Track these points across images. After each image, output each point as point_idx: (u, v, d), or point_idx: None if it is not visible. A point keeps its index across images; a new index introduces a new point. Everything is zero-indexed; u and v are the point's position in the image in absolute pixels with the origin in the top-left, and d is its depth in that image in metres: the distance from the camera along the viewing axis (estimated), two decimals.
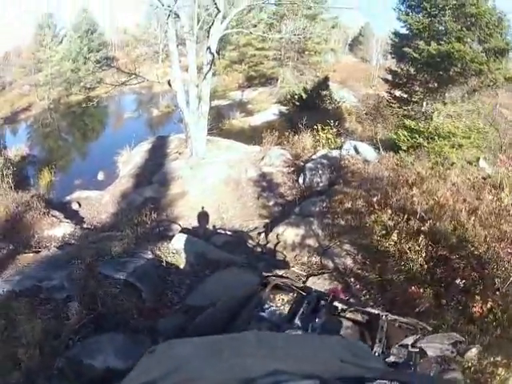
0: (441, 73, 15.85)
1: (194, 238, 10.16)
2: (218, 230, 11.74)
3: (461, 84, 15.91)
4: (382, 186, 10.95)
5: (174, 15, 14.14)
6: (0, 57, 44.14)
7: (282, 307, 4.48)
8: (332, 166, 13.65)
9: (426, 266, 7.90)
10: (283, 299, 4.61)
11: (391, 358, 3.63)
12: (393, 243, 8.53)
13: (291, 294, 4.67)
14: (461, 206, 9.36)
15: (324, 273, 8.71)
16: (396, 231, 8.73)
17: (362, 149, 15.30)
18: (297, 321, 4.15)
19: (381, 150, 15.22)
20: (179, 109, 15.59)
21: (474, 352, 4.03)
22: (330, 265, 9.02)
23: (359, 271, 8.57)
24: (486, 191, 10.58)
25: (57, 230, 10.96)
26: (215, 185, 14.17)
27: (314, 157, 14.93)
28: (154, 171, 15.57)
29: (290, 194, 13.25)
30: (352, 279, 8.42)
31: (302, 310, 4.27)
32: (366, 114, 26.95)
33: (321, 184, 13.14)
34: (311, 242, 9.86)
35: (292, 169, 14.58)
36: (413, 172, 11.78)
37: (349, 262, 8.88)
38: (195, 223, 12.45)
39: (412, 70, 18.17)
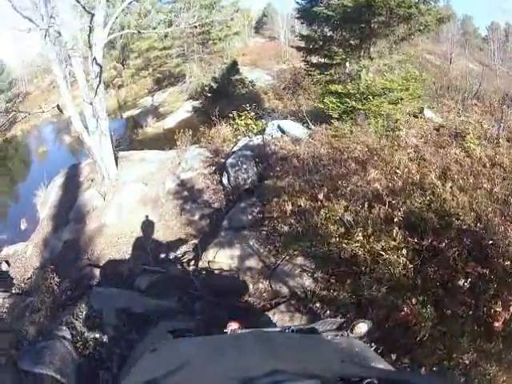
0: (362, 26, 12.96)
1: (113, 289, 8.22)
2: (144, 267, 9.21)
3: (386, 35, 13.19)
4: (323, 169, 8.52)
5: (56, 33, 11.72)
6: None
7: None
8: (257, 157, 10.97)
9: (410, 266, 5.42)
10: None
11: None
12: (359, 244, 5.98)
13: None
14: (427, 172, 6.83)
15: (279, 303, 6.23)
16: (359, 227, 6.16)
17: (287, 127, 12.48)
18: None
19: (309, 123, 12.55)
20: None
21: (362, 327, 2.63)
22: (284, 290, 6.50)
23: (325, 292, 5.99)
24: (447, 145, 8.17)
25: None
26: (132, 209, 11.59)
27: (235, 149, 12.36)
28: (70, 207, 12.94)
29: (216, 199, 10.67)
30: (318, 305, 5.90)
31: None
32: (283, 89, 24.86)
33: (248, 180, 10.42)
34: (252, 262, 7.31)
35: (213, 168, 11.90)
36: (356, 142, 9.42)
37: (307, 281, 6.34)
38: (117, 263, 10.03)
39: (327, 31, 15.16)
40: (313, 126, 12.23)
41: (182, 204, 11.00)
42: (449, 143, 8.69)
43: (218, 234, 8.58)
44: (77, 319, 6.94)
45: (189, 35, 29.86)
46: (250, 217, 8.40)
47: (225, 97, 22.21)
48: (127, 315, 7.01)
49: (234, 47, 35.83)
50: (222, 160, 11.79)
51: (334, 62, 14.94)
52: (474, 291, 4.89)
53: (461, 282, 4.98)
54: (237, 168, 10.59)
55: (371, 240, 5.89)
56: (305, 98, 20.02)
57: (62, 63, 12.78)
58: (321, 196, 7.22)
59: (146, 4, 32.85)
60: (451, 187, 6.38)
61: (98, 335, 6.63)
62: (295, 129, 12.36)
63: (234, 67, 25.12)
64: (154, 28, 28.85)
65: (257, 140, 11.91)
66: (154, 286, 8.02)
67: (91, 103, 12.20)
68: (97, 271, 9.84)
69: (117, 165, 13.22)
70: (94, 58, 11.93)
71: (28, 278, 10.79)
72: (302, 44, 17.19)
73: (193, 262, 8.39)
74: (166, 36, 31.07)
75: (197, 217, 10.37)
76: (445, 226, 5.71)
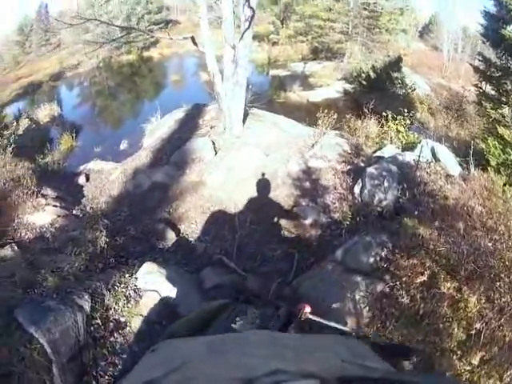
0: None
1: (174, 270, 6.74)
2: (218, 257, 7.58)
3: None
4: (471, 235, 6.36)
5: None
6: (55, 15, 40.84)
7: (252, 320, 3.64)
8: (402, 177, 8.71)
9: None
10: (254, 312, 3.82)
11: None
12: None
13: (263, 308, 3.95)
14: None
15: None
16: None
17: (441, 154, 9.99)
18: None
19: (471, 165, 9.76)
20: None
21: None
22: None
23: None
24: None
25: (38, 215, 8.44)
26: (242, 178, 9.84)
27: (378, 154, 10.35)
28: (177, 147, 11.71)
29: (339, 209, 8.50)
30: None
31: (272, 323, 3.57)
32: (439, 104, 22.07)
33: (384, 202, 8.25)
34: (348, 320, 5.25)
35: (348, 167, 9.79)
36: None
37: None
38: (197, 233, 8.60)
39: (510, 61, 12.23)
40: (472, 168, 9.65)
41: (299, 196, 9.15)
42: None
43: (325, 261, 6.63)
44: (110, 292, 5.57)
45: (356, 15, 27.98)
46: (371, 260, 6.24)
47: (379, 91, 20.28)
48: (172, 314, 5.56)
49: (397, 44, 32.77)
50: (361, 163, 9.76)
51: (510, 101, 12.26)
52: None
53: None
54: (376, 182, 8.50)
55: None
56: (463, 124, 17.58)
57: None
58: (460, 274, 5.24)
59: None
60: None
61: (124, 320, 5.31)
62: (448, 159, 9.94)
63: (397, 63, 22.99)
64: None
65: (407, 156, 9.62)
66: (219, 291, 6.34)
67: (234, 47, 10.79)
68: (169, 233, 8.56)
69: (244, 121, 11.71)
70: (248, 0, 10.41)
71: (96, 204, 10.05)
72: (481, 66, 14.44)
73: (273, 286, 6.52)
74: (330, 9, 29.19)
75: (309, 220, 8.40)
76: None
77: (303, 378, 1.31)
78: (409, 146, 11.46)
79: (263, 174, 9.66)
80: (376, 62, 23.85)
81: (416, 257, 5.81)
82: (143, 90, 29.69)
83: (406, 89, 22.35)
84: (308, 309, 3.68)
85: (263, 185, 9.43)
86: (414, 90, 22.63)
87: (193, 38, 10.77)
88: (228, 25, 10.64)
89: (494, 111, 12.09)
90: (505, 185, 8.62)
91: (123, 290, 5.69)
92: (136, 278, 5.97)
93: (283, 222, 8.39)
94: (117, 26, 16.12)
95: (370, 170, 8.76)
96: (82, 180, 11.44)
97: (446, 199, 7.83)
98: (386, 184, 8.36)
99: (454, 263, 5.56)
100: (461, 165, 9.87)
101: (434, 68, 34.28)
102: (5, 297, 5.08)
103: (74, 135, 16.99)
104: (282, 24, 37.73)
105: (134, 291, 5.73)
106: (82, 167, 12.60)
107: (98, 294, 5.44)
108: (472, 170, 9.36)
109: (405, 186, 8.38)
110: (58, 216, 8.65)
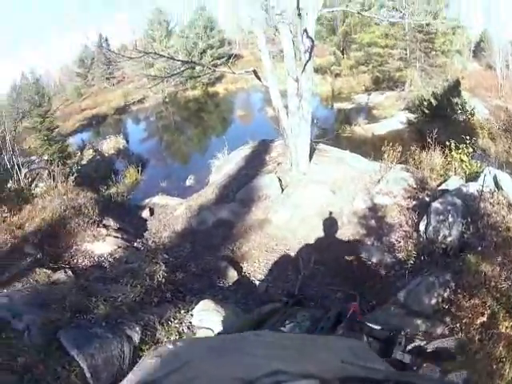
0: None
1: (232, 309, 6.77)
2: (283, 298, 7.09)
3: None
4: None
5: None
6: (117, 48, 42.54)
7: (302, 322, 4.23)
8: (466, 210, 8.46)
9: None
10: (304, 315, 4.38)
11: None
12: None
13: (313, 310, 4.48)
14: None
15: None
16: None
17: (504, 182, 9.53)
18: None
19: None
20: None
21: None
22: None
23: None
24: None
25: (98, 244, 8.97)
26: (308, 216, 9.86)
27: (443, 187, 10.07)
28: (244, 184, 11.84)
29: (404, 247, 8.35)
30: None
31: (321, 324, 4.03)
32: (498, 129, 21.14)
33: (448, 239, 8.01)
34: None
35: (414, 202, 9.63)
36: None
37: None
38: (260, 272, 8.67)
39: None
40: None
41: (365, 235, 9.10)
42: None
43: (388, 303, 6.59)
44: (163, 326, 5.70)
45: (412, 40, 27.65)
46: (433, 301, 6.15)
47: (441, 118, 19.88)
48: None
49: (453, 67, 31.95)
50: (427, 199, 9.57)
51: None
52: None
53: None
54: (441, 218, 8.31)
55: None
56: None
57: (268, 27, 12.05)
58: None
59: None
60: None
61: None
62: (511, 187, 9.61)
63: (456, 88, 22.48)
64: (369, 8, 27.50)
65: (471, 188, 9.26)
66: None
67: (297, 80, 10.82)
68: (231, 272, 8.62)
69: (310, 157, 11.68)
70: (305, 30, 10.46)
71: (158, 238, 10.30)
72: None
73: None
74: (387, 35, 28.96)
75: (373, 260, 8.38)
76: None
77: (303, 378, 1.35)
78: (472, 176, 11.06)
79: (330, 213, 9.64)
80: (436, 87, 23.46)
81: (477, 296, 5.72)
82: (210, 126, 29.91)
83: (466, 114, 21.72)
84: (357, 307, 3.84)
85: (329, 223, 9.44)
86: (474, 114, 21.98)
87: (255, 72, 10.97)
88: (289, 57, 10.73)
89: None
90: None
91: (177, 325, 5.81)
92: (192, 315, 6.05)
93: (347, 263, 8.35)
94: (177, 60, 16.53)
95: (435, 204, 8.63)
96: (145, 214, 11.77)
97: (508, 231, 7.60)
98: (450, 219, 8.19)
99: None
100: None
101: (490, 88, 32.76)
102: (51, 318, 5.30)
103: (140, 169, 17.40)
104: (343, 54, 37.47)
105: (188, 327, 5.82)
106: (146, 201, 12.94)
107: (149, 327, 5.59)
108: None
109: (469, 219, 8.16)
110: (119, 247, 9.04)
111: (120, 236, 9.66)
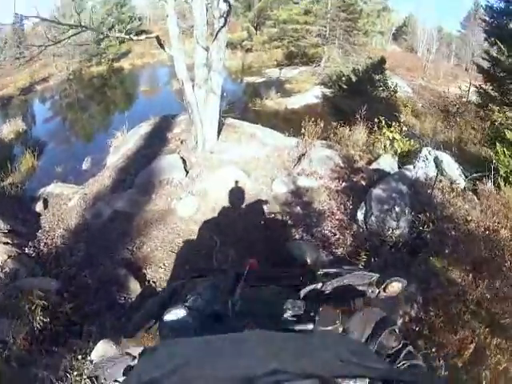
0: None
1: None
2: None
3: None
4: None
5: None
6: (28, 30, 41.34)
7: (203, 293, 2.92)
8: (415, 199, 7.23)
9: None
10: (204, 286, 3.03)
11: (287, 314, 2.41)
12: None
13: (212, 279, 3.09)
14: None
15: None
16: None
17: (446, 164, 8.55)
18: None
19: (489, 179, 8.27)
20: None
21: (396, 286, 2.11)
22: None
23: None
24: None
25: None
26: (218, 203, 8.24)
27: (374, 165, 8.98)
28: (142, 166, 10.17)
29: (342, 241, 6.89)
30: None
31: (221, 288, 2.94)
32: (422, 106, 21.57)
33: (397, 232, 6.63)
34: None
35: (344, 184, 8.31)
36: None
37: None
38: (167, 280, 6.96)
39: None
40: (490, 183, 8.19)
41: (291, 226, 7.52)
42: None
43: None
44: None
45: (334, 18, 27.22)
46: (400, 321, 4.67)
47: (360, 94, 19.12)
48: None
49: (372, 47, 33.20)
50: (362, 182, 8.23)
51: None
52: None
53: None
54: (385, 207, 6.94)
55: None
56: (452, 127, 16.05)
57: None
58: None
59: None
60: None
61: None
62: (454, 170, 8.56)
63: (380, 65, 21.82)
64: None
65: (418, 171, 8.09)
66: None
67: (207, 48, 9.44)
68: (132, 282, 6.83)
69: (219, 134, 10.26)
70: None
71: (51, 239, 8.46)
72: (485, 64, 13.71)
73: None
74: (308, 12, 28.67)
75: (307, 259, 6.65)
76: None
77: (303, 378, 1.21)
78: (405, 155, 10.16)
79: (244, 199, 8.15)
80: (357, 64, 23.23)
81: (456, 315, 4.55)
82: (113, 102, 28.65)
83: (388, 91, 21.43)
84: (253, 263, 3.13)
85: (245, 212, 7.89)
86: (396, 92, 21.82)
87: (158, 38, 9.44)
88: (199, 22, 9.29)
89: (502, 114, 10.86)
90: None
91: (77, 378, 4.25)
92: (91, 362, 4.42)
93: (273, 263, 6.61)
94: (63, 24, 14.49)
95: (377, 191, 7.31)
96: (39, 207, 9.97)
97: (467, 223, 6.59)
98: (397, 209, 6.91)
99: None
100: (468, 178, 8.56)
101: (413, 69, 34.08)
102: None
103: (37, 153, 15.38)
104: (256, 30, 37.07)
105: (91, 381, 4.11)
106: (41, 191, 11.06)
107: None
108: (490, 184, 7.97)
109: (419, 209, 6.98)
110: (9, 256, 7.34)
111: (10, 241, 7.88)
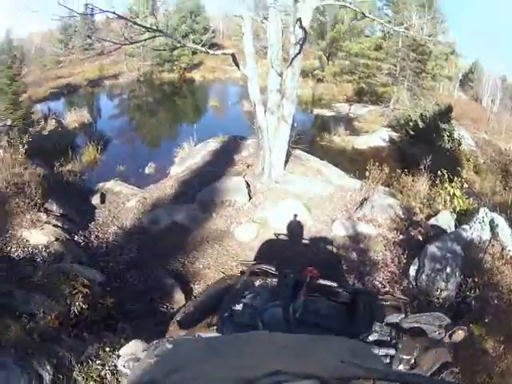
0: None
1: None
2: None
3: None
4: None
5: None
6: (100, 21, 42.58)
7: (261, 291, 4.00)
8: (466, 262, 7.11)
9: None
10: (262, 284, 4.17)
11: (373, 336, 3.21)
12: None
13: (270, 278, 4.31)
14: None
15: None
16: None
17: (500, 229, 8.28)
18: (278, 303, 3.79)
19: None
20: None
21: (460, 334, 3.01)
22: None
23: None
24: None
25: (35, 233, 7.48)
26: (277, 234, 8.33)
27: (432, 221, 8.68)
28: (206, 182, 10.32)
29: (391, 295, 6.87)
30: None
31: (282, 294, 3.89)
32: (484, 163, 20.29)
33: (444, 293, 6.58)
34: None
35: (401, 236, 8.23)
36: None
37: None
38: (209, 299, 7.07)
39: None
40: None
41: (345, 272, 7.57)
42: None
43: None
44: (83, 366, 4.28)
45: (404, 57, 26.76)
46: None
47: (426, 143, 18.74)
48: None
49: (439, 93, 31.50)
50: (419, 237, 8.13)
51: None
52: None
53: None
54: (438, 266, 6.91)
55: None
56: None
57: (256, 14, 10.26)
58: None
59: None
60: None
61: None
62: (507, 235, 8.25)
63: (447, 113, 21.31)
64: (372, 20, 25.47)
65: (472, 233, 7.95)
66: None
67: (280, 74, 9.52)
68: (178, 294, 6.96)
69: (285, 164, 10.33)
70: (299, 20, 9.04)
71: (103, 233, 8.87)
72: None
73: None
74: (379, 47, 28.49)
75: None
76: None
77: (303, 378, 1.32)
78: (463, 213, 9.76)
79: (303, 235, 8.22)
80: (425, 110, 22.47)
81: None
82: (182, 112, 28.71)
83: (453, 143, 20.52)
84: (313, 271, 3.82)
85: (304, 249, 7.95)
86: (461, 144, 20.90)
87: (233, 56, 9.45)
88: (275, 47, 9.44)
89: None
90: None
91: (98, 367, 4.34)
92: (118, 356, 4.52)
93: None
94: (140, 26, 14.64)
95: (432, 248, 7.24)
96: (96, 200, 10.35)
97: (511, 293, 6.71)
98: (448, 270, 6.86)
99: None
100: None
101: (477, 120, 32.11)
102: None
103: (101, 147, 15.82)
104: (328, 60, 36.40)
105: (112, 373, 4.32)
106: (100, 185, 11.42)
107: (63, 367, 4.29)
108: None
109: (467, 272, 6.91)
110: (57, 239, 7.66)
111: (61, 225, 8.17)
